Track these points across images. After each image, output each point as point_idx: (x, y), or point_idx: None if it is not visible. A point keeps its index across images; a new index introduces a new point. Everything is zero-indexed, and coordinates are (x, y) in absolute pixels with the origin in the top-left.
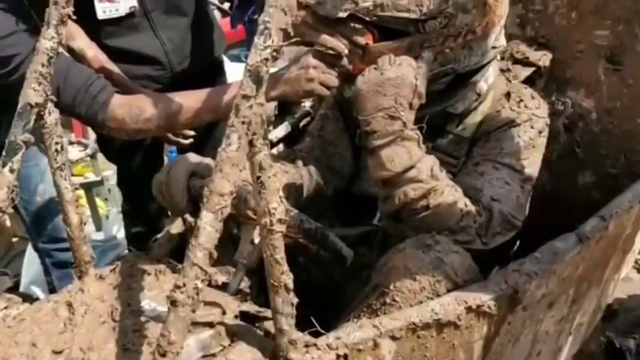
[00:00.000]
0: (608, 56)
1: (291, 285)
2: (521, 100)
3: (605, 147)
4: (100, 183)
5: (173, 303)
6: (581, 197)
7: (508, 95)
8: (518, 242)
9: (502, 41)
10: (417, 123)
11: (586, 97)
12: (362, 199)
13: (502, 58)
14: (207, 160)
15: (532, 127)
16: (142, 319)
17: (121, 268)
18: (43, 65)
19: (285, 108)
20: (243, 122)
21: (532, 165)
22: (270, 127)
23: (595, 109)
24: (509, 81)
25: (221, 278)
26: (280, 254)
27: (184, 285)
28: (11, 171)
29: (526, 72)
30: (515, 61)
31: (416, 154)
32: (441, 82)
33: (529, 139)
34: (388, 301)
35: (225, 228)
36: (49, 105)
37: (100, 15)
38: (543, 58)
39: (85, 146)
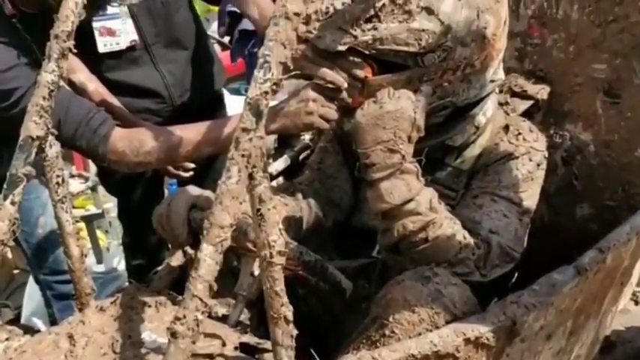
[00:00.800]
0: (606, 89)
1: (290, 317)
2: (520, 133)
3: (603, 180)
4: (101, 215)
5: (173, 335)
6: (579, 229)
7: (506, 128)
8: (516, 274)
9: (500, 74)
10: (416, 156)
11: (584, 130)
12: (361, 232)
13: (500, 92)
14: (208, 193)
15: (530, 160)
16: (143, 350)
17: (122, 300)
18: (44, 98)
19: (285, 141)
20: (243, 155)
21: (530, 197)
22: (270, 160)
23: (593, 142)
24: (508, 114)
25: (221, 310)
26: (280, 286)
27: (184, 317)
28: (12, 203)
29: (524, 105)
30: (514, 95)
31: (415, 187)
32: (440, 115)
33: (527, 171)
34: (387, 332)
35: (225, 260)
36: (50, 138)
37: (101, 48)
38: (541, 91)
39: (86, 179)
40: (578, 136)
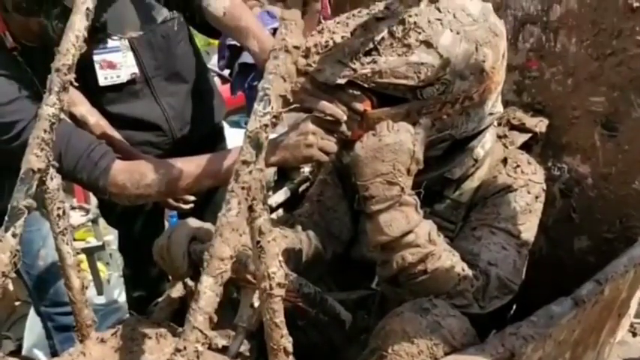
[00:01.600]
0: (603, 122)
1: (290, 348)
2: (518, 166)
3: (600, 212)
4: (102, 248)
5: None
6: (577, 261)
7: (505, 161)
8: (514, 306)
9: (499, 107)
10: (415, 188)
11: (582, 162)
12: (360, 264)
13: (499, 124)
14: (208, 225)
15: (528, 193)
16: None
17: (122, 332)
18: (45, 131)
19: (285, 173)
20: (243, 187)
21: (528, 230)
22: (270, 193)
23: (591, 175)
24: (506, 147)
25: (221, 342)
26: (280, 318)
27: (185, 348)
28: (14, 236)
29: (523, 138)
30: (512, 127)
31: (414, 219)
32: (439, 148)
33: (525, 204)
34: None
35: (225, 292)
36: (51, 170)
37: (102, 82)
38: (540, 124)
39: (87, 211)
40: (576, 169)
